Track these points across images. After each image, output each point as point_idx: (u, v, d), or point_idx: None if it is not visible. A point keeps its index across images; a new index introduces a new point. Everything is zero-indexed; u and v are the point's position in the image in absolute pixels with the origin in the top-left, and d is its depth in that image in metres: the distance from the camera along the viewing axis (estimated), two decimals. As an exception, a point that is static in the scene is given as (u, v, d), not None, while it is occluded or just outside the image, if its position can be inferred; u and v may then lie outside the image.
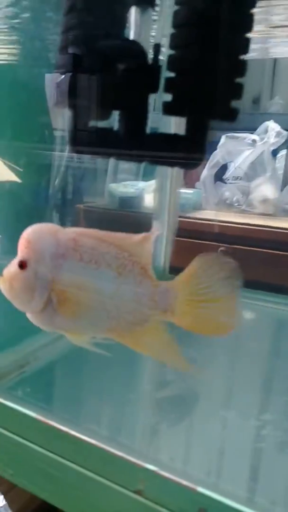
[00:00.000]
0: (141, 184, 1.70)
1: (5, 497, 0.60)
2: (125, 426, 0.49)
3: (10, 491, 0.59)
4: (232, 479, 0.40)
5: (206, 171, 1.63)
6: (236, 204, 1.64)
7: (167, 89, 0.34)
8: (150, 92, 0.35)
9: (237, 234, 1.48)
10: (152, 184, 1.68)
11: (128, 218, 1.52)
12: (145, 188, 1.67)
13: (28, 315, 0.41)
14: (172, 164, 0.35)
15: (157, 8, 0.34)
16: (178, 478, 0.36)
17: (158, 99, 0.36)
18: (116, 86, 0.35)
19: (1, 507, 0.98)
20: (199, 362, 0.61)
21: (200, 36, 0.32)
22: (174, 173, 0.86)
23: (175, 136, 0.34)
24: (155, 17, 0.35)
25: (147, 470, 0.38)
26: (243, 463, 0.43)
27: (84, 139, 0.37)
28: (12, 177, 1.17)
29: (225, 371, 0.61)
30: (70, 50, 0.36)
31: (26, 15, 0.83)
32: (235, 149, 1.61)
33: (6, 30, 0.94)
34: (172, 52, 0.33)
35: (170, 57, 0.33)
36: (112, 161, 1.76)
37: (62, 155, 1.60)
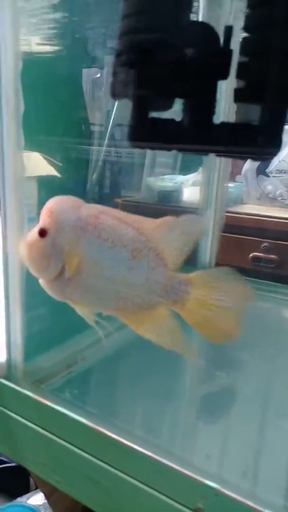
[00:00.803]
0: (180, 178, 1.67)
1: (48, 500, 0.58)
2: (180, 435, 0.47)
3: (53, 494, 0.58)
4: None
5: (248, 164, 1.59)
6: (279, 198, 1.58)
7: (240, 75, 0.31)
8: (220, 79, 0.32)
9: (280, 229, 1.43)
10: (190, 178, 1.64)
11: (168, 212, 1.49)
12: (183, 182, 1.64)
13: (41, 282, 0.42)
14: (243, 157, 0.32)
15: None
16: (243, 498, 0.33)
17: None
18: (182, 72, 0.32)
19: (41, 505, 0.99)
20: (247, 363, 0.59)
21: (280, 16, 0.28)
22: (221, 165, 0.83)
23: (248, 125, 0.31)
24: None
25: (207, 487, 0.35)
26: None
27: (145, 132, 0.35)
28: (52, 171, 1.16)
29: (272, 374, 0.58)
30: (132, 36, 0.33)
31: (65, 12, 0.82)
32: (280, 142, 1.55)
33: (46, 23, 0.93)
34: (246, 34, 0.30)
35: (244, 40, 0.30)
36: (149, 154, 1.73)
37: (99, 149, 1.59)
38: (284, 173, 1.54)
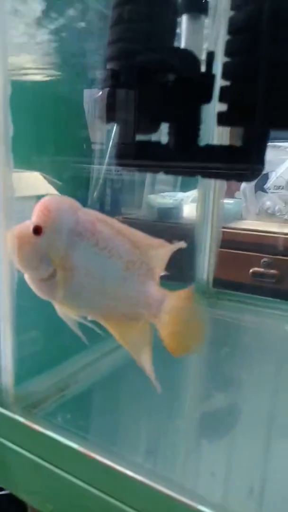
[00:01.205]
0: (180, 195, 1.67)
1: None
2: (176, 461, 0.45)
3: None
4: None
5: (247, 181, 1.59)
6: (278, 214, 1.58)
7: (222, 99, 0.31)
8: (203, 103, 0.33)
9: (280, 244, 1.43)
10: (190, 195, 1.65)
11: (167, 229, 1.49)
12: (183, 199, 1.64)
13: (27, 278, 0.41)
14: (228, 178, 0.32)
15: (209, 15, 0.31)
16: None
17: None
18: (167, 97, 0.32)
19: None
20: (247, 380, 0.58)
21: (258, 42, 0.28)
22: (217, 182, 0.83)
23: (232, 147, 0.31)
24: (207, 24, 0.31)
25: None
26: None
27: (131, 154, 0.35)
28: (50, 190, 1.17)
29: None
30: (117, 61, 0.34)
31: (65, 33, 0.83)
32: (277, 158, 1.56)
33: (47, 47, 0.94)
34: (227, 59, 0.30)
35: (226, 65, 0.30)
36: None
37: (100, 167, 1.60)
38: (282, 189, 1.55)
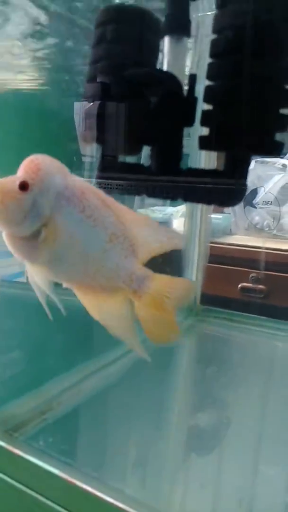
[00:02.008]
0: (169, 209, 1.67)
1: None
2: (160, 488, 0.44)
3: None
4: None
5: (235, 196, 1.60)
6: (266, 229, 1.59)
7: (204, 123, 0.31)
8: (185, 126, 0.32)
9: (268, 259, 1.43)
10: (180, 209, 1.65)
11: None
12: (173, 214, 1.64)
13: (5, 236, 0.39)
14: (209, 202, 0.32)
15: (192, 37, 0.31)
16: None
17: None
18: (148, 120, 0.32)
19: None
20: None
21: (240, 66, 0.28)
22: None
23: (214, 172, 0.31)
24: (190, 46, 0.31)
25: None
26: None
27: (113, 177, 0.35)
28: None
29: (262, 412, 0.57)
30: (99, 80, 0.33)
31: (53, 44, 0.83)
32: (265, 174, 1.57)
33: (35, 59, 0.95)
34: (209, 83, 0.30)
35: (208, 88, 0.30)
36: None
37: (90, 181, 1.60)
38: (271, 204, 1.56)
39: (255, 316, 0.83)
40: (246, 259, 1.46)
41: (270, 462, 0.47)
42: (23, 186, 0.37)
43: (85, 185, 0.39)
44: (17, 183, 0.37)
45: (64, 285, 0.42)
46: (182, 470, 0.46)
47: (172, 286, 0.43)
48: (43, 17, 0.65)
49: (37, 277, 0.42)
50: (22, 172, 0.38)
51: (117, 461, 0.47)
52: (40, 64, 0.95)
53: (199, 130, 0.31)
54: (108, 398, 0.56)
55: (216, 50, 0.29)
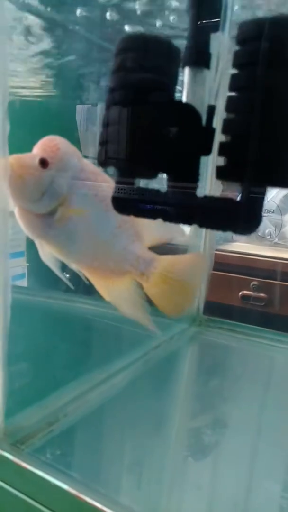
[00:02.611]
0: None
1: None
2: (170, 504, 0.45)
3: None
4: None
5: (238, 203, 1.61)
6: (268, 237, 1.60)
7: (221, 153, 0.32)
8: (203, 155, 0.33)
9: (269, 268, 1.44)
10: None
11: (161, 250, 1.50)
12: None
13: (19, 212, 0.40)
14: (224, 229, 0.32)
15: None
16: None
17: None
18: (167, 149, 0.33)
19: None
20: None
21: (260, 101, 0.29)
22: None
23: (229, 200, 0.32)
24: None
25: None
26: None
27: (131, 202, 0.35)
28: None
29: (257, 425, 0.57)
30: (118, 108, 0.34)
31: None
32: (268, 182, 1.58)
33: (40, 67, 0.95)
34: (228, 115, 0.31)
35: (226, 121, 0.31)
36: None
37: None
38: (273, 212, 1.57)
39: (258, 327, 0.84)
40: (247, 267, 1.47)
41: (267, 474, 0.47)
42: (44, 163, 0.37)
43: (97, 170, 0.41)
44: (37, 159, 0.37)
45: (74, 266, 0.44)
46: (191, 485, 0.47)
47: (180, 262, 0.46)
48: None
49: (45, 257, 0.43)
50: (40, 149, 0.38)
51: (123, 475, 0.48)
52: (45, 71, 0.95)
53: (215, 159, 0.32)
54: (113, 410, 0.57)
55: (236, 85, 0.30)
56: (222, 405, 0.61)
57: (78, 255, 0.43)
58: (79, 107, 1.66)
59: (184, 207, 0.34)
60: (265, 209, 1.59)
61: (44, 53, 0.84)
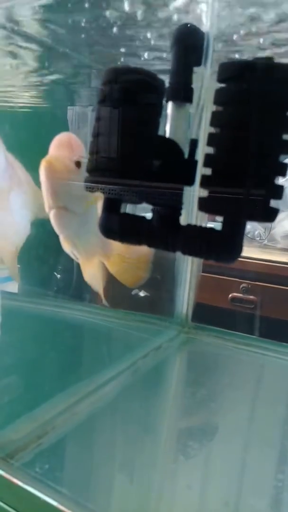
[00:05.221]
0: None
1: None
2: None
3: None
4: None
5: (228, 205, 1.62)
6: (257, 239, 1.61)
7: (203, 185, 0.33)
8: (185, 185, 0.34)
9: (259, 270, 1.45)
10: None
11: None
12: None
13: (60, 214, 0.43)
14: (207, 258, 0.33)
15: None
16: None
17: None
18: (151, 180, 0.34)
19: None
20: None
21: (239, 139, 0.30)
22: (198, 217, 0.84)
23: (211, 230, 0.33)
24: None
25: None
26: None
27: (115, 226, 0.36)
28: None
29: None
30: (104, 144, 0.35)
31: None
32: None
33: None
34: (209, 149, 0.32)
35: (207, 155, 0.32)
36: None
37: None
38: (263, 215, 1.58)
39: (246, 335, 0.85)
40: (237, 269, 1.47)
41: (253, 484, 0.48)
42: (79, 164, 0.39)
43: None
44: (73, 161, 0.39)
45: (72, 252, 0.51)
46: (183, 496, 0.48)
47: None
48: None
49: (89, 277, 0.54)
50: (68, 149, 0.39)
51: (113, 490, 0.49)
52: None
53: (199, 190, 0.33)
54: (101, 422, 0.58)
55: (216, 122, 0.31)
56: (211, 415, 0.62)
57: (86, 246, 0.51)
58: (70, 109, 1.67)
59: (168, 235, 0.35)
60: (255, 212, 1.60)
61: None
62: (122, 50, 0.47)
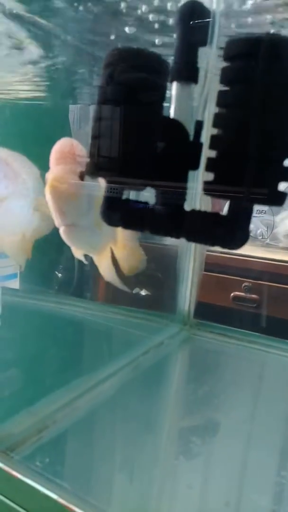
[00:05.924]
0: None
1: None
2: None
3: None
4: None
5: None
6: (260, 238, 1.60)
7: (209, 169, 0.32)
8: (190, 169, 0.33)
9: (261, 269, 1.44)
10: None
11: (150, 249, 1.50)
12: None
13: (70, 231, 0.44)
14: (212, 243, 0.33)
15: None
16: None
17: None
18: (155, 163, 0.33)
19: None
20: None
21: (247, 118, 0.29)
22: (201, 203, 0.83)
23: (217, 215, 0.32)
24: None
25: None
26: None
27: (117, 215, 0.35)
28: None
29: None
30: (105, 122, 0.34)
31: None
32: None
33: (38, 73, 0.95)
34: (215, 131, 0.31)
35: (213, 137, 0.31)
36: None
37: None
38: (265, 213, 1.57)
39: (248, 332, 0.84)
40: (239, 268, 1.47)
41: (255, 481, 0.48)
42: (82, 176, 0.39)
43: None
44: (77, 173, 0.38)
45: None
46: (183, 493, 0.47)
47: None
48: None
49: (105, 273, 0.54)
50: (71, 161, 0.38)
51: (113, 484, 0.48)
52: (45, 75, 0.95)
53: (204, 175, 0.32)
54: (102, 416, 0.57)
55: (223, 101, 0.30)
56: (212, 412, 0.62)
57: (102, 244, 0.52)
58: (72, 107, 1.66)
59: (172, 221, 0.34)
60: (257, 210, 1.59)
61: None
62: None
